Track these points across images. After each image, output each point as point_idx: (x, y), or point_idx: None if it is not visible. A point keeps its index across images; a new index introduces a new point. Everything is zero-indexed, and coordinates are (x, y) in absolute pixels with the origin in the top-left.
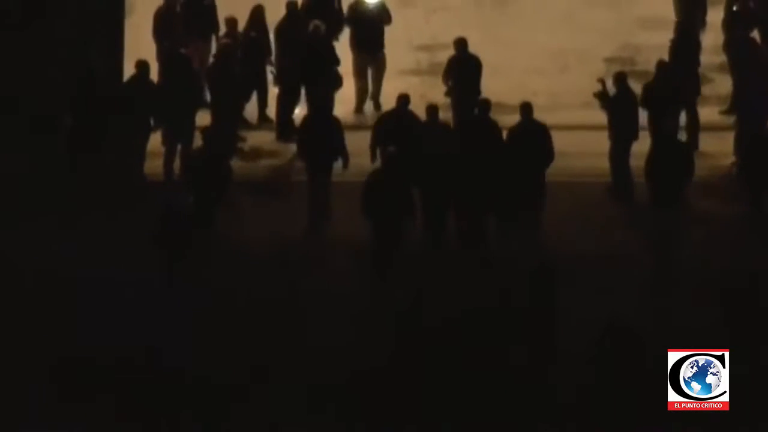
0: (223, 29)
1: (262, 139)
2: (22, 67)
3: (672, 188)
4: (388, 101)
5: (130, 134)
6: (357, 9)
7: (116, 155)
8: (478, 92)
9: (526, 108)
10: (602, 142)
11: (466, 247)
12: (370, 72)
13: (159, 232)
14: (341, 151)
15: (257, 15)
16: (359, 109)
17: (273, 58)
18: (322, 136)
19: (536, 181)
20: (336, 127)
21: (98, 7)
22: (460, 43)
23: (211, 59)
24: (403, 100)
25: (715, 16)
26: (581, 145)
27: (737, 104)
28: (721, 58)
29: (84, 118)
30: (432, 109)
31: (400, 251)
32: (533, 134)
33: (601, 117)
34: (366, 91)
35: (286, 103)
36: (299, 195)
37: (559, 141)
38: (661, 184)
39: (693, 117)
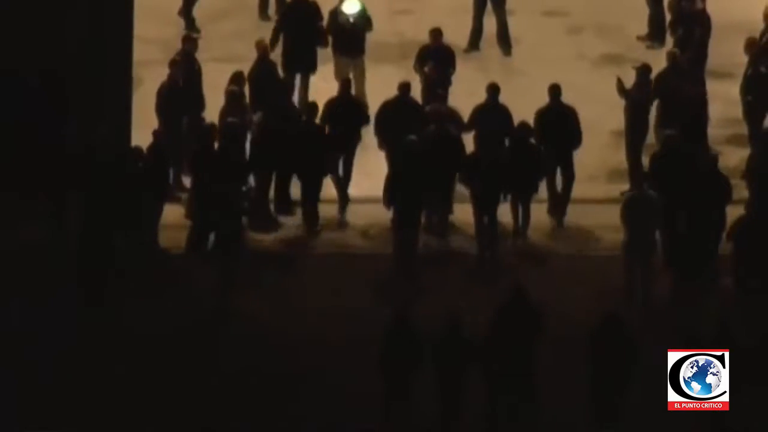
0: (211, 99)
1: None
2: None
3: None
4: None
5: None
6: (336, 18)
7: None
8: (449, 82)
9: (554, 90)
10: (607, 215)
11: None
12: (351, 76)
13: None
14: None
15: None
16: None
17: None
18: (346, 119)
19: (564, 162)
20: (360, 108)
21: (106, 80)
22: (435, 33)
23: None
24: (405, 87)
25: (718, 87)
26: (586, 219)
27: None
28: (730, 130)
29: (102, 193)
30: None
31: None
32: (561, 116)
33: (606, 190)
34: None
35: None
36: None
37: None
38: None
39: None
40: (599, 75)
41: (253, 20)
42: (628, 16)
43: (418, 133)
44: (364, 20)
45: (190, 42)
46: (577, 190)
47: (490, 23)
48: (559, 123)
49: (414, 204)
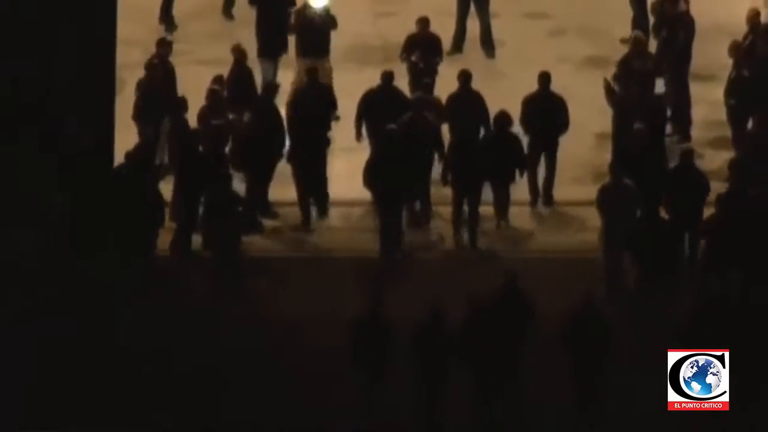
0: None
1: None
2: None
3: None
4: None
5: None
6: (303, 15)
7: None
8: (435, 71)
9: (544, 77)
10: (592, 217)
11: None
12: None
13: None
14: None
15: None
16: None
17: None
18: (314, 106)
19: (549, 151)
20: (329, 95)
21: (88, 83)
22: (422, 22)
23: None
24: (388, 76)
25: (701, 90)
26: (573, 221)
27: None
28: (713, 133)
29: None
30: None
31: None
32: (549, 104)
33: (591, 192)
34: None
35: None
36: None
37: (550, 216)
38: None
39: None
40: (583, 77)
41: (236, 22)
42: (611, 19)
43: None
44: (329, 17)
45: (164, 45)
46: (562, 192)
47: (473, 26)
48: (547, 110)
49: (394, 188)
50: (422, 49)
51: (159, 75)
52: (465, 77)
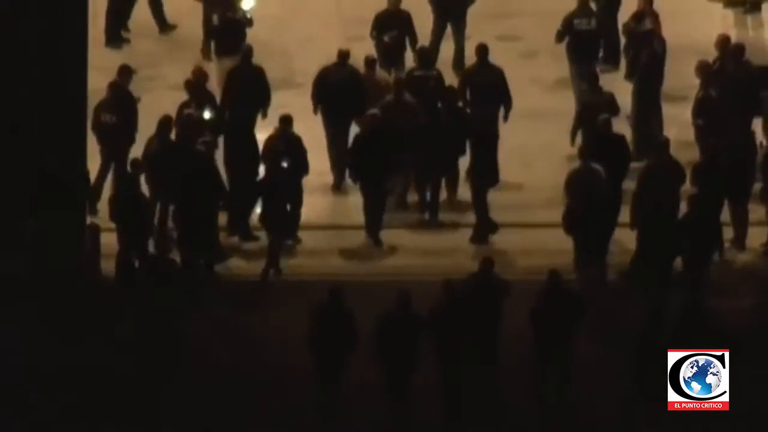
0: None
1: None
2: None
3: None
4: None
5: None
6: (227, 16)
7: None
8: (414, 43)
9: (481, 49)
10: (565, 240)
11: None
12: None
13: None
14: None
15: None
16: None
17: None
18: (249, 87)
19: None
20: (261, 77)
21: (60, 100)
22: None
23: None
24: (344, 54)
25: (673, 110)
26: (544, 243)
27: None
28: (685, 153)
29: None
30: (371, 62)
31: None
32: (487, 75)
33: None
34: None
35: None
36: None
37: (522, 239)
38: None
39: None
40: (554, 99)
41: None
42: None
43: (370, 102)
44: (248, 18)
45: (124, 73)
46: (533, 216)
47: (445, 47)
48: (485, 83)
49: (379, 172)
50: (395, 27)
51: (122, 95)
52: (422, 53)
